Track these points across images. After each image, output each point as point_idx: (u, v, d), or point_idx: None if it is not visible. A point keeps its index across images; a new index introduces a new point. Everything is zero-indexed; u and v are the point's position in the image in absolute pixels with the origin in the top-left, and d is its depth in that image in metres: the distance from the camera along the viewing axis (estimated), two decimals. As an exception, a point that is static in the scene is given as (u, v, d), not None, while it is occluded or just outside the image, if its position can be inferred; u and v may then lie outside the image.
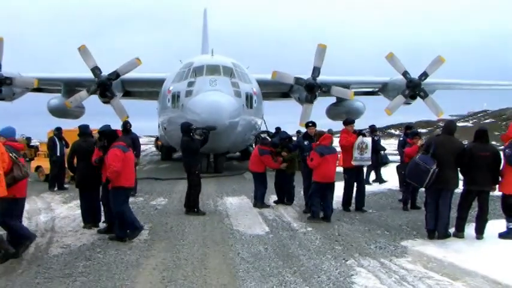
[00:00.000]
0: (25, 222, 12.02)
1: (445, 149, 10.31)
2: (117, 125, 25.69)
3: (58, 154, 18.87)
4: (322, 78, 27.70)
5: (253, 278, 7.60)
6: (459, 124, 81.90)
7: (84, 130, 12.08)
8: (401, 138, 17.27)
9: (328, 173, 12.41)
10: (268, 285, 7.30)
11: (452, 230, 10.47)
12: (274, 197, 15.06)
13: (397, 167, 15.70)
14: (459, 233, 10.21)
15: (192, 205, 13.28)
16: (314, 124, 14.94)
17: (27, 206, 14.07)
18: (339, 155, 13.41)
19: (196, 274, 7.82)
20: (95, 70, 26.40)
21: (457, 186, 10.56)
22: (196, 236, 10.55)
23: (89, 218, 11.51)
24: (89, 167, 11.11)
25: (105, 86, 26.75)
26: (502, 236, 10.04)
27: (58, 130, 19.80)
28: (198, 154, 13.74)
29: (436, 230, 10.33)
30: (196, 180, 13.39)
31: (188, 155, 13.58)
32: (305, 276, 7.72)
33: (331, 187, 12.62)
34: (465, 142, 12.98)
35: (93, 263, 8.52)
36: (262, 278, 7.63)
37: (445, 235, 10.23)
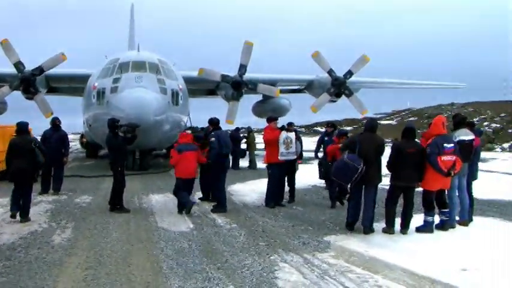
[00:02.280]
0: None
1: (368, 146, 10.64)
2: (41, 122, 25.33)
3: None
4: (248, 75, 27.90)
5: (177, 275, 7.65)
6: (383, 122, 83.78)
7: (21, 128, 12.44)
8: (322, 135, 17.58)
9: (187, 170, 13.07)
10: (192, 281, 7.35)
11: (379, 225, 10.86)
12: (199, 194, 15.09)
13: (319, 164, 15.92)
14: (389, 229, 10.46)
15: (116, 202, 13.21)
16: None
17: None
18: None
19: (119, 272, 7.80)
20: (18, 65, 25.77)
21: (380, 181, 10.93)
22: (120, 234, 10.50)
23: (16, 207, 11.90)
24: (23, 163, 11.75)
25: (29, 82, 26.14)
26: (419, 229, 10.44)
27: None
28: (123, 151, 13.64)
29: (362, 224, 10.67)
30: (120, 177, 13.32)
31: (113, 152, 13.49)
32: (228, 272, 7.82)
33: (191, 183, 13.36)
34: (388, 140, 13.38)
35: (14, 262, 8.38)
36: (186, 274, 7.69)
37: (369, 229, 10.57)
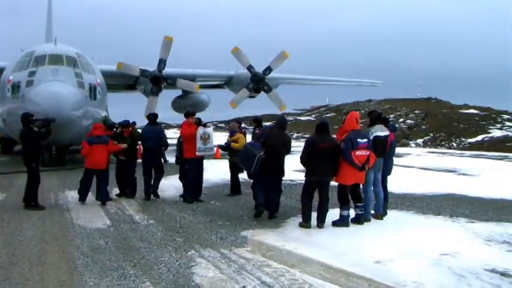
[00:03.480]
0: None
1: (277, 141, 11.34)
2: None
3: None
4: (168, 70, 27.90)
5: (93, 273, 7.55)
6: (303, 118, 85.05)
7: None
8: (257, 131, 17.78)
9: (96, 160, 13.65)
10: (107, 279, 7.28)
11: (296, 219, 11.10)
12: (117, 190, 14.93)
13: None
14: (305, 223, 10.61)
15: (31, 199, 12.89)
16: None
17: None
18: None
19: (33, 271, 7.64)
20: None
21: (284, 175, 11.81)
22: (34, 232, 10.27)
23: None
24: None
25: None
26: (335, 223, 10.65)
27: None
28: (38, 146, 13.30)
29: (267, 209, 11.46)
30: (35, 173, 13.01)
31: (27, 147, 13.15)
32: (145, 268, 7.79)
33: (104, 173, 13.92)
34: (307, 135, 13.68)
35: None
36: (101, 272, 7.61)
37: (273, 216, 11.43)
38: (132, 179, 14.67)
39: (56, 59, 23.57)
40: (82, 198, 13.78)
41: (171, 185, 16.11)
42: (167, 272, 7.65)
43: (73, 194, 14.88)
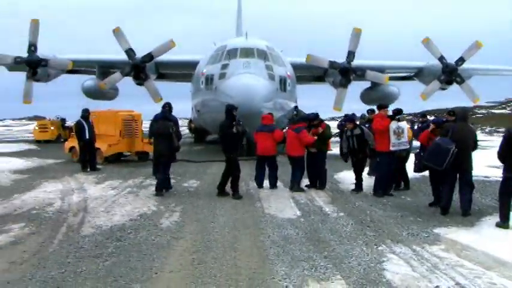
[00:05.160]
0: (58, 202, 12.20)
1: (464, 135, 10.87)
2: (150, 107, 26.01)
3: (87, 137, 18.99)
4: (356, 62, 27.63)
5: (284, 262, 7.55)
6: (496, 111, 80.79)
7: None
8: (419, 125, 17.20)
9: (261, 147, 14.87)
10: (298, 269, 7.23)
11: (491, 219, 10.37)
12: (306, 181, 14.92)
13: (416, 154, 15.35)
14: (503, 223, 9.85)
15: (233, 189, 13.32)
16: (373, 111, 16.78)
17: (60, 186, 14.32)
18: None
19: (226, 257, 7.80)
20: (129, 52, 26.66)
21: (472, 169, 11.18)
22: (227, 219, 10.56)
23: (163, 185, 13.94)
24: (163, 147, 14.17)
25: (139, 68, 27.03)
26: None
27: (85, 112, 19.74)
28: (237, 140, 13.58)
29: (461, 208, 10.95)
30: (235, 164, 13.41)
31: (226, 140, 13.53)
32: (335, 261, 7.65)
33: (273, 161, 14.90)
34: (501, 129, 12.86)
35: (124, 243, 8.57)
36: (292, 262, 7.58)
37: (467, 213, 10.80)
38: (323, 171, 14.63)
39: (247, 52, 24.21)
40: (258, 183, 14.82)
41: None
42: (358, 266, 7.46)
43: (264, 183, 15.03)
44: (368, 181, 14.60)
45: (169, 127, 13.95)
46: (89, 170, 18.40)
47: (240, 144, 13.76)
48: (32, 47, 27.22)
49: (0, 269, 7.18)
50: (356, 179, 14.29)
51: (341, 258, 7.83)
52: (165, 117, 14.40)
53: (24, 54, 27.28)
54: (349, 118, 15.23)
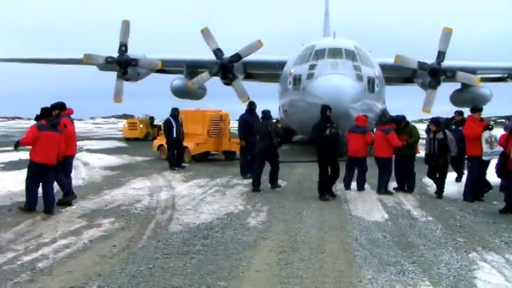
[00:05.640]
0: (146, 198, 12.49)
1: None
2: (237, 106, 26.30)
3: (174, 135, 19.37)
4: (446, 63, 27.01)
5: (371, 266, 7.45)
6: None
7: (263, 114, 15.54)
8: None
9: (351, 148, 14.96)
10: (385, 273, 7.11)
11: None
12: (394, 184, 14.70)
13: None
14: None
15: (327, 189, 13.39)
16: (461, 113, 16.57)
17: (149, 183, 14.66)
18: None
19: (312, 258, 7.76)
20: (217, 52, 26.99)
21: None
22: (313, 220, 10.52)
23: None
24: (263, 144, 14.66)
25: (227, 68, 27.33)
26: None
27: (174, 111, 20.19)
28: (329, 142, 13.48)
29: None
30: (334, 165, 13.57)
31: (319, 143, 13.61)
32: (424, 267, 7.48)
33: (363, 163, 14.86)
34: None
35: (211, 241, 8.67)
36: (380, 265, 7.48)
37: None
38: (411, 174, 14.41)
39: (335, 53, 24.08)
40: (346, 185, 14.81)
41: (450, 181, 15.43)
42: (447, 272, 7.25)
43: (352, 185, 14.90)
44: (454, 186, 14.27)
45: (268, 125, 14.67)
46: (175, 168, 18.70)
47: (335, 147, 13.58)
48: (123, 47, 27.99)
49: (92, 262, 7.40)
50: (436, 183, 13.98)
51: (430, 264, 7.65)
52: (265, 117, 15.35)
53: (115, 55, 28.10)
54: (434, 120, 14.84)
